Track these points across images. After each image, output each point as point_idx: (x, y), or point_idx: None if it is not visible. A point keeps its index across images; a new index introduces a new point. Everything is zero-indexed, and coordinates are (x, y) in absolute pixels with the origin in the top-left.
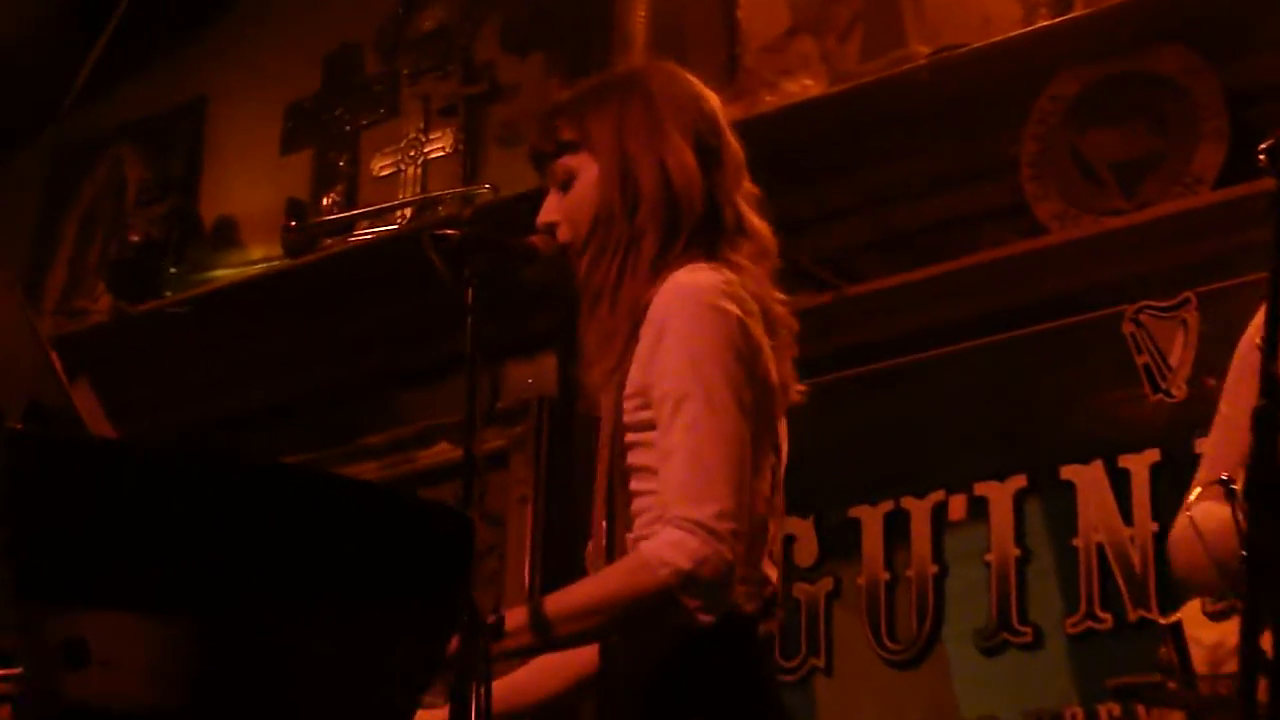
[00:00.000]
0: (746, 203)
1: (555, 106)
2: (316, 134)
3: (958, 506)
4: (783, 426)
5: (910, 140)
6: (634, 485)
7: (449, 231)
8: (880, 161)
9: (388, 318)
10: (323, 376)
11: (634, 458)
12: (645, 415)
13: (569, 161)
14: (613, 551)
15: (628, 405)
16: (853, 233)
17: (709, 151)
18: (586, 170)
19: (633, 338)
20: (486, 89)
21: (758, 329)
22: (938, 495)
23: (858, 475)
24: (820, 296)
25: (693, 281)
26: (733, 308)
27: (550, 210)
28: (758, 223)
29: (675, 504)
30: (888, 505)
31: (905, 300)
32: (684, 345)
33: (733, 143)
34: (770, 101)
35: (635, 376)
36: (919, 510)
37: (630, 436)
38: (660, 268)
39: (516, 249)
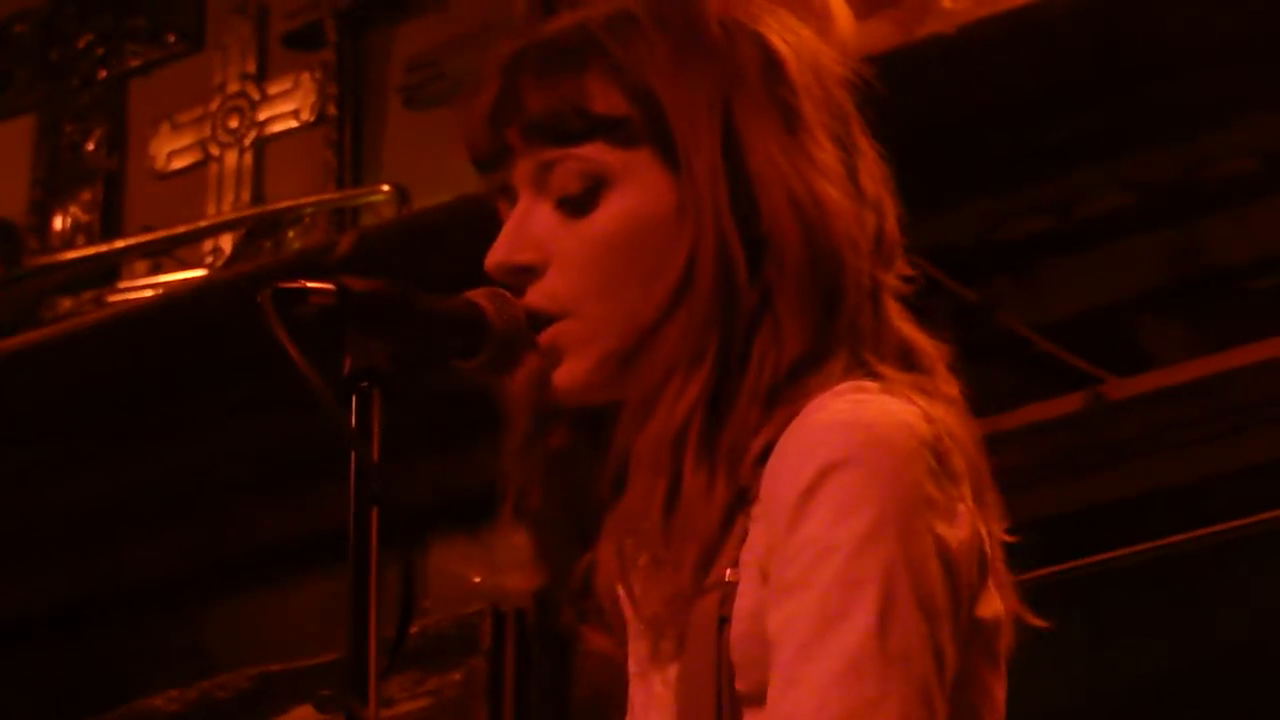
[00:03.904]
0: (891, 297)
1: (573, 34)
2: (40, 88)
3: None
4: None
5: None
6: None
7: (311, 284)
8: (1177, 122)
9: (188, 455)
10: (59, 573)
11: None
12: (765, 677)
13: (601, 154)
14: None
15: (742, 657)
16: (1117, 268)
17: (856, 189)
18: (640, 178)
19: (733, 522)
20: None
21: (976, 515)
22: None
23: None
24: (1062, 402)
25: (879, 416)
26: (939, 489)
27: (526, 239)
28: (932, 349)
29: None
30: None
31: (1234, 405)
32: (848, 538)
33: (881, 177)
34: (950, 9)
35: (749, 599)
36: None
37: None
38: (790, 388)
39: (448, 320)
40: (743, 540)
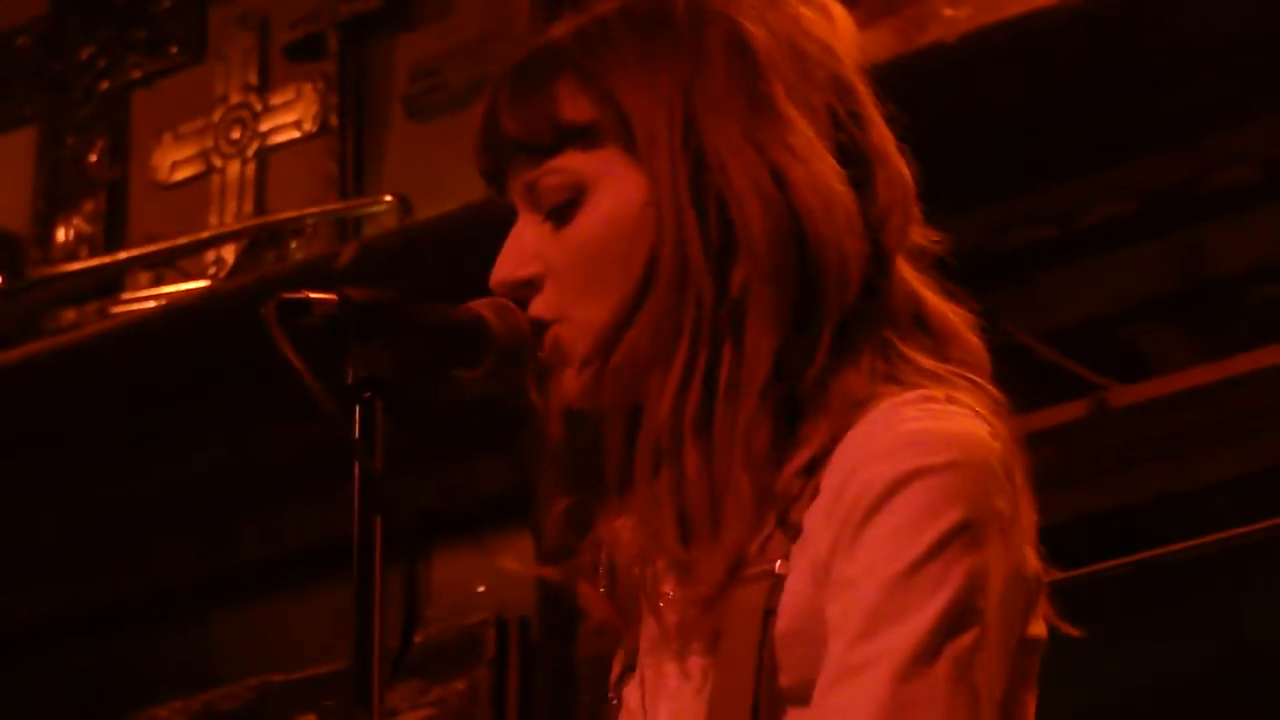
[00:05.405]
0: (916, 268)
1: (544, 51)
2: (42, 99)
3: None
4: None
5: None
6: None
7: (314, 295)
8: (1189, 125)
9: (191, 466)
10: (62, 583)
11: None
12: (810, 675)
13: (574, 163)
14: None
15: (788, 652)
16: (1119, 276)
17: (856, 158)
18: (612, 179)
19: (765, 520)
20: (381, 5)
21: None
22: None
23: None
24: (1064, 409)
25: (961, 429)
26: (1009, 507)
27: (523, 255)
28: (953, 315)
29: None
30: None
31: (1236, 412)
32: (924, 540)
33: (892, 142)
34: (952, 17)
35: (802, 596)
36: None
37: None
38: (796, 377)
39: (450, 329)
40: (795, 537)
